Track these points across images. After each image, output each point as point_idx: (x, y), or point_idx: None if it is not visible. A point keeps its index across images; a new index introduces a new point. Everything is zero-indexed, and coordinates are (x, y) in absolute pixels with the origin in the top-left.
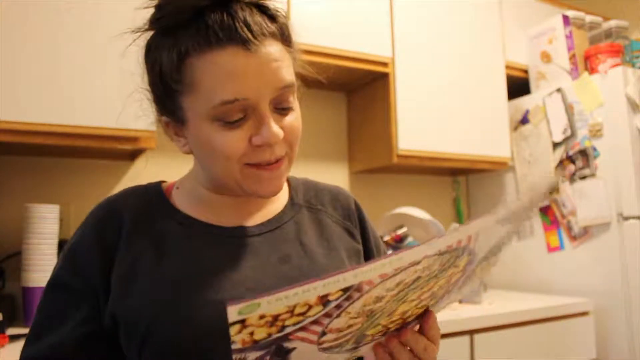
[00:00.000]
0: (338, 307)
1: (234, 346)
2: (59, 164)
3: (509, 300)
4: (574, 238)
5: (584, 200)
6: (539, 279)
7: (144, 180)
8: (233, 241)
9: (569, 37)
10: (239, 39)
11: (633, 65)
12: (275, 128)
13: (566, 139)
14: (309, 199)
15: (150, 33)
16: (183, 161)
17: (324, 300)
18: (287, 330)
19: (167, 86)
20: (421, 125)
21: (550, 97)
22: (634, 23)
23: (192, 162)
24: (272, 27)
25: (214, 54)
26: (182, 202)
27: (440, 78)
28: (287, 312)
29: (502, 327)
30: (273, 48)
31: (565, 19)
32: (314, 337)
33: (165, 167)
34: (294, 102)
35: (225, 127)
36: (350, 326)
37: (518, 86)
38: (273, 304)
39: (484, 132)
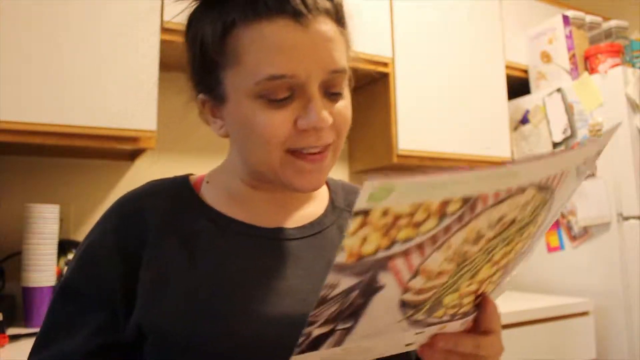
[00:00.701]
0: (446, 230)
1: (338, 259)
2: (59, 164)
3: (509, 300)
4: (573, 238)
5: (583, 200)
6: (538, 279)
7: (144, 180)
8: (272, 244)
9: (569, 37)
10: (290, 11)
11: (633, 65)
12: (324, 112)
13: (566, 139)
14: (351, 203)
15: (190, 11)
16: (183, 161)
17: (442, 211)
18: (394, 249)
19: (208, 59)
20: (421, 125)
21: (550, 97)
22: (634, 23)
23: (192, 162)
24: (327, 4)
25: (263, 26)
26: (212, 197)
27: (440, 78)
28: (408, 214)
29: (502, 327)
30: (327, 26)
31: (565, 19)
32: (407, 276)
33: (165, 167)
34: (346, 90)
35: (269, 106)
36: (439, 274)
37: (518, 86)
38: (408, 191)
39: (484, 132)
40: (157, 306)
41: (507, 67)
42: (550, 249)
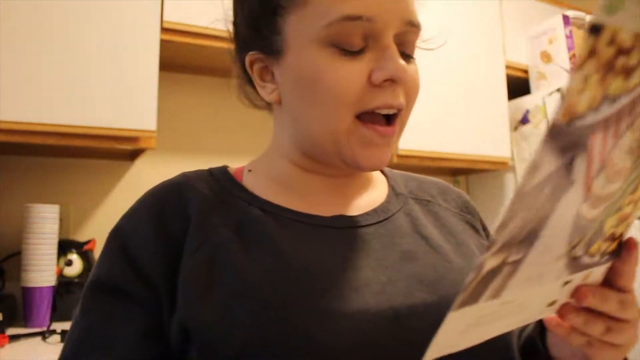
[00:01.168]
0: None
1: (555, 117)
2: (59, 164)
3: None
4: None
5: None
6: None
7: (144, 180)
8: (337, 233)
9: (569, 37)
10: None
11: None
12: (402, 61)
13: None
14: (413, 190)
15: None
16: (183, 161)
17: None
18: (602, 111)
19: (267, 4)
20: (421, 125)
21: (551, 97)
22: None
23: (192, 162)
24: None
25: None
26: (258, 186)
27: (440, 78)
28: (626, 51)
29: None
30: None
31: (565, 19)
32: (596, 166)
33: (165, 167)
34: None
35: (341, 56)
36: (617, 174)
37: (518, 86)
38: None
39: (484, 132)
40: (205, 302)
41: (507, 67)
42: None
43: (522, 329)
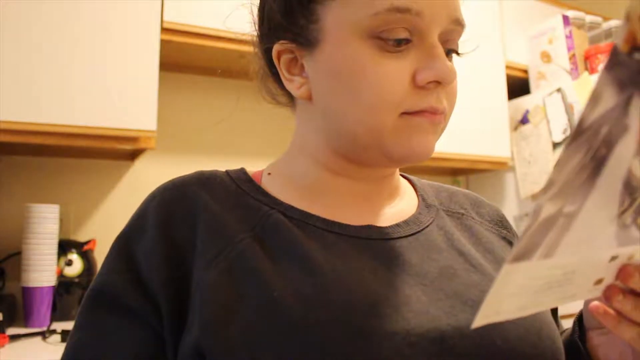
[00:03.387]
0: None
1: (616, 40)
2: (59, 164)
3: None
4: None
5: None
6: None
7: (144, 180)
8: (367, 245)
9: (569, 37)
10: None
11: None
12: (449, 63)
13: (566, 139)
14: (444, 202)
15: None
16: (183, 161)
17: None
18: None
19: None
20: None
21: (550, 97)
22: None
23: (192, 162)
24: None
25: None
26: (278, 190)
27: None
28: None
29: None
30: None
31: (565, 19)
32: None
33: (166, 167)
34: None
35: (385, 51)
36: None
37: (518, 86)
38: None
39: (484, 132)
40: (229, 322)
41: (507, 67)
42: None
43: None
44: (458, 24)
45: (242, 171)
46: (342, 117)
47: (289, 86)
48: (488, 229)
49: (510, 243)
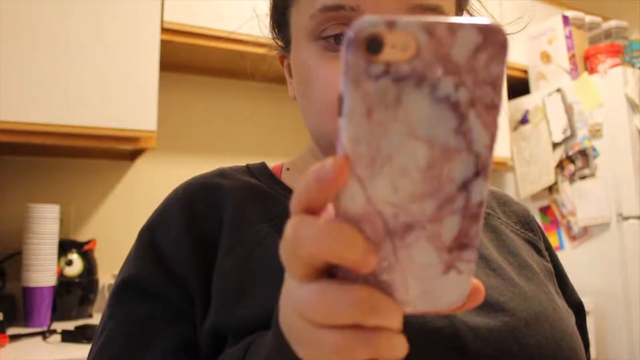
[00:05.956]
0: None
1: None
2: (59, 164)
3: None
4: (573, 238)
5: (583, 200)
6: None
7: (143, 180)
8: None
9: (568, 37)
10: None
11: (633, 66)
12: None
13: (566, 139)
14: None
15: None
16: (183, 161)
17: None
18: None
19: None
20: None
21: (550, 97)
22: (634, 23)
23: (192, 162)
24: None
25: None
26: (297, 184)
27: None
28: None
29: None
30: None
31: (565, 19)
32: None
33: (165, 167)
34: None
35: (326, 51)
36: None
37: (518, 86)
38: None
39: None
40: (242, 305)
41: (507, 67)
42: None
43: None
44: (423, 9)
45: (263, 165)
46: (306, 119)
47: (289, 88)
48: (514, 230)
49: (535, 246)
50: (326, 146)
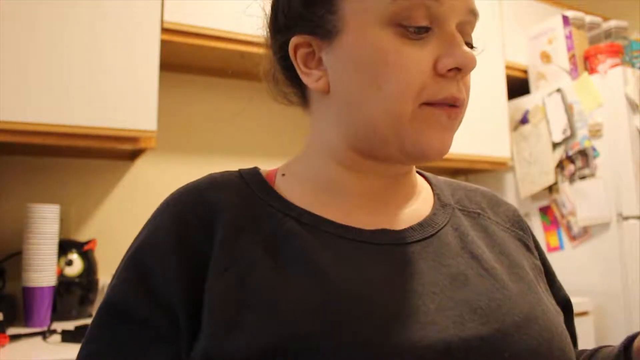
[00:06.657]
0: None
1: None
2: (59, 164)
3: None
4: (573, 238)
5: (583, 201)
6: None
7: (143, 180)
8: (378, 251)
9: (568, 37)
10: None
11: (633, 66)
12: (469, 50)
13: (566, 139)
14: (460, 200)
15: None
16: (183, 161)
17: None
18: None
19: None
20: None
21: (550, 97)
22: (634, 23)
23: (192, 162)
24: None
25: None
26: (292, 192)
27: None
28: None
29: None
30: None
31: (565, 19)
32: None
33: (166, 167)
34: None
35: (406, 38)
36: None
37: (518, 86)
38: None
39: (483, 132)
40: (234, 332)
41: (507, 67)
42: (550, 249)
43: (597, 350)
44: (473, 15)
45: (256, 171)
46: (363, 107)
47: (306, 80)
48: (504, 229)
49: (525, 244)
50: (390, 129)
